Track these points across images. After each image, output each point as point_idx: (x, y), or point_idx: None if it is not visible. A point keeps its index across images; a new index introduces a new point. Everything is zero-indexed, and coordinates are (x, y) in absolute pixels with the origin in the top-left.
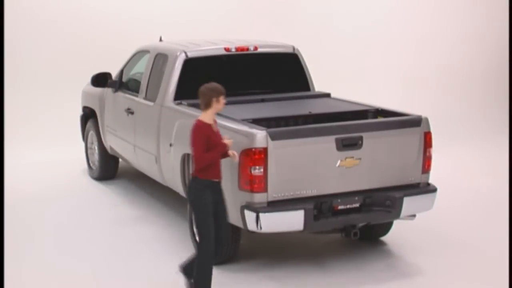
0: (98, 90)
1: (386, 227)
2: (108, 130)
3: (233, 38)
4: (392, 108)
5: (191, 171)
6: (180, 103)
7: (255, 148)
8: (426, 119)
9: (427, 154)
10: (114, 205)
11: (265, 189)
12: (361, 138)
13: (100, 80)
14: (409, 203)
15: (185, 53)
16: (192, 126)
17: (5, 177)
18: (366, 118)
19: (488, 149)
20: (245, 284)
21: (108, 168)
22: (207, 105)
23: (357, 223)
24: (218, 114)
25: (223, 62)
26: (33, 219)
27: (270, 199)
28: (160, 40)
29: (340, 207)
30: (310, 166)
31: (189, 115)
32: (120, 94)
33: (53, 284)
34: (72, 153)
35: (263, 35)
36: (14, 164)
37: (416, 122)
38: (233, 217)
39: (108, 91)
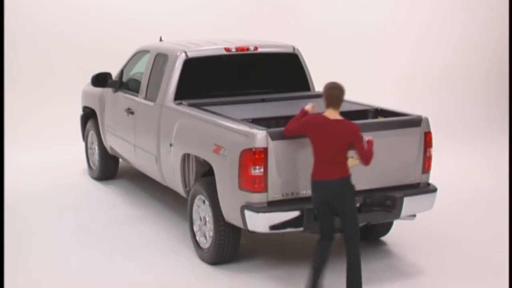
0: (98, 90)
1: (386, 227)
2: (108, 130)
3: (233, 38)
4: (392, 108)
5: (344, 173)
6: (180, 103)
7: (255, 148)
8: (426, 119)
9: (427, 154)
10: (114, 205)
11: (265, 189)
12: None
13: (100, 80)
14: (409, 203)
15: (185, 53)
16: (354, 126)
17: (5, 177)
18: (366, 118)
19: (488, 149)
20: (245, 284)
21: (108, 168)
22: (340, 103)
23: None
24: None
25: (223, 62)
26: (33, 219)
27: (270, 199)
28: (160, 40)
29: None
30: (310, 166)
31: (189, 115)
32: (120, 94)
33: (53, 284)
34: (72, 153)
35: (263, 35)
36: (14, 164)
37: (416, 122)
38: (233, 217)
39: (108, 91)
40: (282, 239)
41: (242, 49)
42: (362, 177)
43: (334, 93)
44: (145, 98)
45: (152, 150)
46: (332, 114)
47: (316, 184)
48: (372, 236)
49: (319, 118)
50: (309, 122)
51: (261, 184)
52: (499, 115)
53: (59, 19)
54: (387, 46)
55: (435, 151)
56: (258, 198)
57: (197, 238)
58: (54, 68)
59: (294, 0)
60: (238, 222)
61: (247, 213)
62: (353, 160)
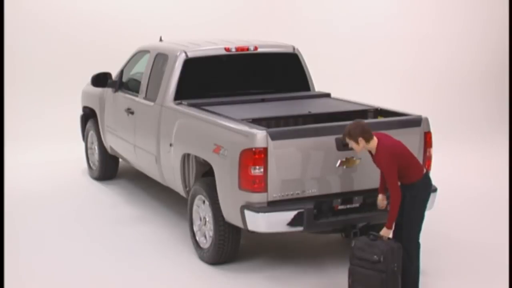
0: (98, 90)
1: None
2: (108, 130)
3: (233, 38)
4: (392, 108)
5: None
6: (180, 103)
7: (255, 148)
8: (426, 119)
9: (427, 154)
10: (114, 205)
11: (265, 189)
12: None
13: (100, 80)
14: None
15: (185, 53)
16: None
17: (5, 177)
18: (366, 118)
19: (488, 149)
20: (245, 284)
21: (108, 168)
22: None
23: (357, 223)
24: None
25: (223, 62)
26: (33, 219)
27: (270, 199)
28: (160, 40)
29: (340, 207)
30: (310, 166)
31: (189, 115)
32: (120, 94)
33: (53, 283)
34: (72, 153)
35: (263, 35)
36: (14, 164)
37: (416, 122)
38: (233, 217)
39: (108, 91)
40: (282, 239)
41: (242, 49)
42: (362, 177)
43: (364, 125)
44: (145, 98)
45: (152, 150)
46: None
47: (426, 177)
48: None
49: (392, 140)
50: (395, 152)
51: (261, 184)
52: (499, 115)
53: (59, 19)
54: (387, 46)
55: (435, 151)
56: (258, 198)
57: (197, 238)
58: (54, 68)
59: (294, 0)
60: (238, 222)
61: (247, 213)
62: (352, 160)
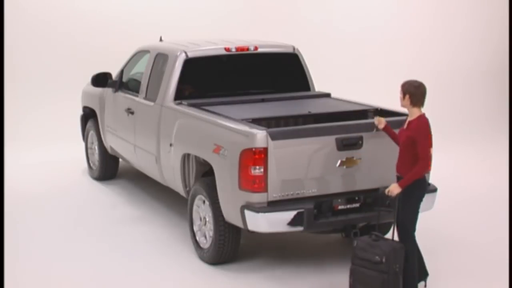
0: (98, 90)
1: (386, 227)
2: (108, 130)
3: (233, 38)
4: (392, 108)
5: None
6: (180, 103)
7: (255, 148)
8: None
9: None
10: (114, 205)
11: (265, 189)
12: (361, 138)
13: (100, 80)
14: None
15: (185, 53)
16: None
17: (5, 177)
18: (366, 118)
19: (488, 149)
20: (245, 284)
21: (108, 168)
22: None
23: (357, 223)
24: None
25: (223, 62)
26: (33, 219)
27: (270, 199)
28: (160, 40)
29: (340, 207)
30: (310, 166)
31: (189, 115)
32: (120, 94)
33: (53, 284)
34: (72, 153)
35: (263, 35)
36: (14, 164)
37: None
38: (233, 217)
39: (108, 91)
40: (282, 239)
41: (242, 49)
42: (362, 177)
43: (422, 91)
44: (145, 98)
45: (152, 150)
46: (420, 112)
47: (425, 179)
48: None
49: (426, 119)
50: (429, 130)
51: (261, 184)
52: (499, 115)
53: (59, 19)
54: (387, 46)
55: (435, 151)
56: (258, 198)
57: (197, 238)
58: (54, 68)
59: (294, 1)
60: (238, 222)
61: (247, 213)
62: (352, 160)
